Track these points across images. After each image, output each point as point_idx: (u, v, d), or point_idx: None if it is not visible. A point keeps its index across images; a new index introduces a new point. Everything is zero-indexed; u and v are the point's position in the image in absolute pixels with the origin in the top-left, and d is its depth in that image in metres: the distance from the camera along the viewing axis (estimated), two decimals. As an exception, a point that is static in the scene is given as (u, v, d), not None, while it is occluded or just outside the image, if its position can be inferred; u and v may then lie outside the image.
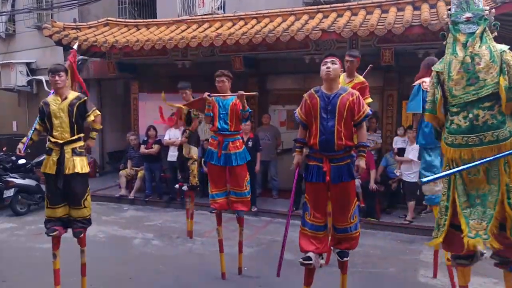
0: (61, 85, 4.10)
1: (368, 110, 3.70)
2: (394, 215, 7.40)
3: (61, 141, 4.04)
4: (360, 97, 3.69)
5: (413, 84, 4.58)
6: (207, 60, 8.40)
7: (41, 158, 8.30)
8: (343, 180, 3.61)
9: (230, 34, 7.43)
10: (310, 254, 3.69)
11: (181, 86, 6.28)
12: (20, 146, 4.28)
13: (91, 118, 4.21)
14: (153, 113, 9.39)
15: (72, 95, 4.19)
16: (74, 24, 9.60)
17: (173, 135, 8.19)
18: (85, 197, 4.16)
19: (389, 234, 6.66)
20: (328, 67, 3.61)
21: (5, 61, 12.15)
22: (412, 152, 6.94)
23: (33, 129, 4.27)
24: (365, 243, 4.72)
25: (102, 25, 9.54)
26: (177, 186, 7.22)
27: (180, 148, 6.73)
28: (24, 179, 8.06)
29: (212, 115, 4.77)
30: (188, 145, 6.42)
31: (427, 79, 4.09)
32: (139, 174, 8.83)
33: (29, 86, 12.13)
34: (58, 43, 9.02)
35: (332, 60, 3.65)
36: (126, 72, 9.69)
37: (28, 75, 12.07)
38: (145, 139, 8.75)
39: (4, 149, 9.59)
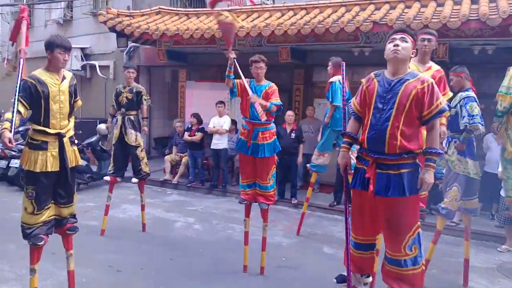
0: (64, 65, 3.47)
1: (444, 104, 2.84)
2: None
3: (63, 131, 3.40)
4: (435, 86, 2.82)
5: (330, 81, 5.56)
6: (254, 50, 8.39)
7: (93, 139, 8.67)
8: (390, 195, 2.79)
9: (278, 24, 7.40)
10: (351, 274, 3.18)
11: (126, 66, 5.98)
12: (7, 138, 3.04)
13: (80, 103, 3.72)
14: (199, 101, 9.55)
15: (67, 74, 3.53)
16: (127, 11, 9.90)
17: (217, 123, 8.31)
18: (75, 191, 3.70)
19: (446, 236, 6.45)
20: (396, 45, 2.83)
21: (61, 46, 12.69)
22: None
23: (14, 111, 3.10)
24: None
25: (154, 13, 9.76)
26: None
27: None
28: (75, 159, 8.41)
29: (233, 77, 4.48)
30: (135, 132, 5.83)
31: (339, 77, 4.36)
32: (183, 160, 9.03)
33: (83, 71, 12.63)
34: (112, 29, 9.33)
35: (402, 37, 2.86)
36: (175, 60, 9.89)
37: (82, 60, 12.57)
38: (189, 126, 8.91)
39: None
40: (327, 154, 6.01)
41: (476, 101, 4.17)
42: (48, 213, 3.47)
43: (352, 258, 3.14)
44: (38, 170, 3.31)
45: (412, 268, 2.87)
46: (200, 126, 8.76)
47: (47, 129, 3.34)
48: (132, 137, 5.71)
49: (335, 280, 3.30)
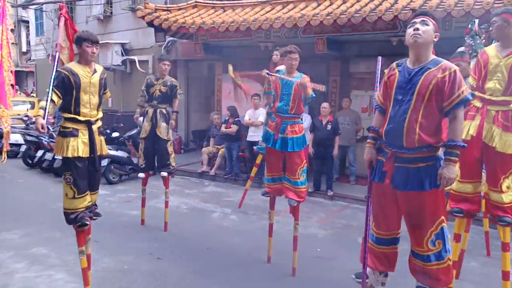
0: (95, 58, 3.67)
1: (467, 92, 2.62)
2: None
3: (93, 119, 3.62)
4: (458, 74, 2.63)
5: (278, 69, 5.28)
6: (290, 42, 8.33)
7: (133, 131, 8.92)
8: (408, 189, 2.71)
9: (314, 14, 7.34)
10: (367, 271, 3.10)
11: (161, 58, 5.88)
12: (40, 124, 3.29)
13: (108, 94, 3.91)
14: (232, 93, 9.62)
15: (98, 67, 3.76)
16: (165, 6, 10.09)
17: (252, 115, 8.37)
18: (99, 179, 3.88)
19: (474, 227, 6.24)
20: (416, 29, 2.65)
21: (102, 41, 13.08)
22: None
23: (48, 100, 3.37)
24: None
25: (191, 7, 9.89)
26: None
27: None
28: (116, 150, 8.71)
29: (273, 93, 4.36)
30: (167, 126, 5.76)
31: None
32: (220, 152, 9.14)
33: (123, 66, 13.00)
34: (150, 24, 9.53)
35: (423, 20, 2.68)
36: (211, 54, 9.99)
37: (122, 55, 12.93)
38: (226, 118, 9.01)
39: (100, 122, 10.40)
40: None
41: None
42: (89, 199, 3.69)
43: (374, 254, 3.04)
44: (70, 155, 3.50)
45: (436, 263, 2.77)
46: (236, 119, 8.85)
47: (77, 117, 3.54)
48: (165, 130, 5.61)
49: (353, 276, 3.23)
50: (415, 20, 2.73)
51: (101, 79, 3.72)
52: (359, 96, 9.13)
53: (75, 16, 15.23)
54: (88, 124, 3.59)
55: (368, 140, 3.05)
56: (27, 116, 11.43)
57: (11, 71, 4.36)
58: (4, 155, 4.23)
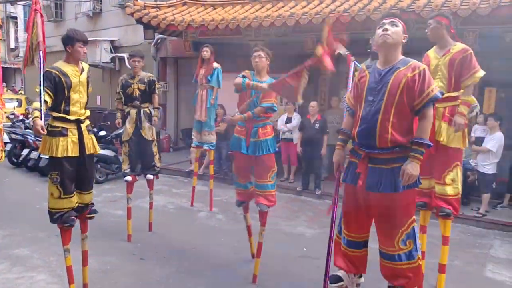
0: (85, 57, 3.67)
1: (436, 91, 2.65)
2: (467, 207, 6.99)
3: (82, 118, 3.58)
4: (427, 73, 2.66)
5: (215, 67, 6.37)
6: (280, 40, 8.34)
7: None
8: (381, 190, 2.69)
9: (303, 13, 7.31)
10: (341, 273, 3.06)
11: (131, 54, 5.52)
12: (39, 126, 3.19)
13: (90, 90, 3.79)
14: (224, 92, 9.56)
15: (85, 66, 3.72)
16: (154, 3, 10.01)
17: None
18: (93, 178, 3.84)
19: (459, 226, 6.29)
20: (385, 30, 2.68)
21: (91, 38, 12.95)
22: (491, 142, 6.54)
23: (42, 101, 3.31)
24: (432, 234, 4.49)
25: (180, 4, 9.83)
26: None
27: None
28: (103, 149, 8.60)
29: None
30: (151, 126, 5.54)
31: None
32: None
33: (112, 63, 12.86)
34: (139, 21, 9.45)
35: (392, 21, 2.72)
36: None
37: (111, 52, 12.80)
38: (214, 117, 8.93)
39: (87, 120, 10.30)
40: (214, 132, 6.90)
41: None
42: (75, 199, 3.63)
43: (346, 257, 3.03)
44: (60, 155, 3.44)
45: (407, 262, 2.78)
46: (224, 117, 8.76)
47: (67, 116, 3.50)
48: (149, 131, 5.36)
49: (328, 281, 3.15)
50: (384, 21, 2.76)
51: (88, 77, 3.72)
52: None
53: (64, 13, 15.08)
54: (78, 123, 3.55)
55: (338, 142, 3.07)
56: (13, 114, 11.31)
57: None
58: (1, 153, 4.14)
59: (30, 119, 3.53)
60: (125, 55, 12.35)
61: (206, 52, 6.39)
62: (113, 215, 6.31)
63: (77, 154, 3.52)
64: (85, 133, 3.57)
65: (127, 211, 5.39)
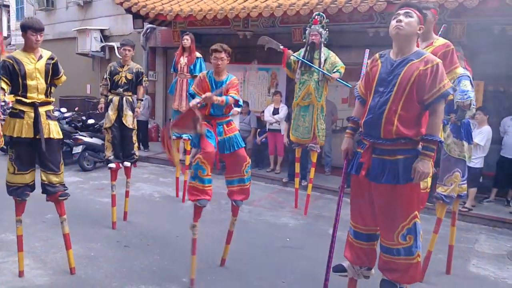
0: (39, 45, 3.76)
1: (448, 86, 2.60)
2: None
3: (38, 102, 3.71)
4: (440, 67, 2.60)
5: (197, 56, 6.28)
6: (268, 31, 8.35)
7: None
8: (383, 181, 2.68)
9: (290, 4, 7.31)
10: (345, 264, 3.09)
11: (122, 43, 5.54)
12: None
13: (63, 79, 3.98)
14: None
15: (45, 53, 3.84)
16: (144, -7, 9.91)
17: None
18: (61, 162, 3.96)
19: (445, 220, 6.34)
20: (399, 21, 2.63)
21: (81, 28, 12.86)
22: (479, 135, 6.56)
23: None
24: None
25: (170, -6, 9.77)
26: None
27: None
28: (91, 137, 8.62)
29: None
30: (133, 114, 5.53)
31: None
32: (197, 141, 9.07)
33: (102, 52, 12.77)
34: (128, 10, 9.40)
35: (407, 12, 2.65)
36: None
37: (101, 41, 12.70)
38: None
39: (76, 109, 10.31)
40: None
41: (470, 79, 4.02)
42: (30, 177, 3.85)
43: (353, 248, 3.03)
44: (14, 135, 3.68)
45: (405, 257, 2.75)
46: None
47: (23, 99, 3.68)
48: (130, 119, 5.40)
49: (331, 269, 3.20)
50: (399, 11, 2.70)
51: (47, 64, 3.79)
52: (339, 86, 9.15)
53: (56, 2, 14.91)
54: (34, 106, 3.69)
55: (347, 130, 3.06)
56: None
57: None
58: (0, 139, 4.25)
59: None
60: (115, 44, 12.29)
61: (187, 40, 6.36)
62: (99, 203, 6.34)
63: (31, 136, 3.70)
64: (42, 117, 3.72)
65: (112, 199, 5.41)
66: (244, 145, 4.18)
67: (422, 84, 2.59)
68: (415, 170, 2.60)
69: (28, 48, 3.74)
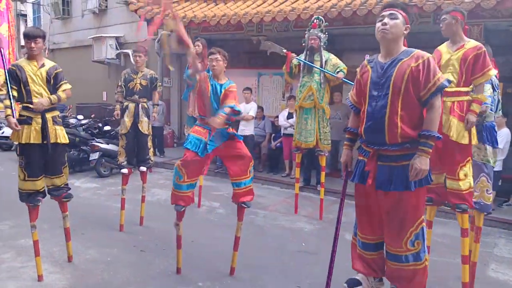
0: (37, 52, 3.85)
1: (443, 79, 2.54)
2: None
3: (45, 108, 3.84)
4: (431, 61, 2.56)
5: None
6: (282, 35, 8.37)
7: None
8: (392, 189, 2.60)
9: (304, 8, 7.32)
10: (359, 277, 2.99)
11: (134, 49, 5.68)
12: (13, 124, 3.66)
13: (64, 87, 3.99)
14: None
15: (48, 63, 3.98)
16: (158, -1, 10.03)
17: (243, 109, 8.34)
18: (65, 165, 4.11)
19: (448, 223, 6.28)
20: (384, 24, 2.58)
21: (97, 35, 13.05)
22: (498, 138, 6.39)
23: (11, 96, 3.72)
24: (434, 231, 4.48)
25: (183, 1, 9.90)
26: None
27: None
28: (108, 144, 8.71)
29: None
30: (148, 120, 5.63)
31: None
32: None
33: (117, 59, 12.94)
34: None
35: (391, 13, 2.60)
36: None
37: (117, 48, 12.88)
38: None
39: (92, 116, 10.45)
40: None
41: (492, 82, 3.94)
42: (41, 184, 3.98)
43: (363, 260, 2.96)
44: (23, 141, 3.80)
45: (414, 263, 2.69)
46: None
47: (30, 105, 3.80)
48: (146, 125, 5.48)
49: (345, 285, 3.09)
50: (383, 13, 2.65)
51: (49, 73, 3.90)
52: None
53: (71, 10, 15.18)
54: (41, 112, 3.82)
55: (345, 142, 3.00)
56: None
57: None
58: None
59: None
60: (130, 51, 12.44)
61: (198, 46, 6.30)
62: (115, 208, 6.35)
63: (39, 142, 3.82)
64: (49, 122, 3.86)
65: (121, 202, 5.51)
66: (242, 138, 4.10)
67: (416, 81, 2.54)
68: (413, 166, 2.52)
69: (30, 56, 3.89)
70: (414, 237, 2.66)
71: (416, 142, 2.58)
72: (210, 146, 3.85)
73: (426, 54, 2.60)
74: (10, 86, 3.72)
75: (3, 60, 3.96)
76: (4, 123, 11.40)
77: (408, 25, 2.70)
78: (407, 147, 2.58)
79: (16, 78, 3.78)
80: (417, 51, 2.62)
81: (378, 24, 2.64)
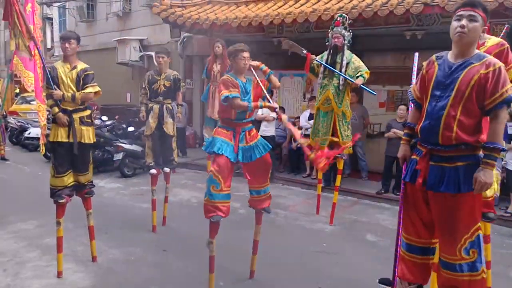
0: (70, 53, 4.06)
1: (511, 92, 2.41)
2: (495, 207, 6.82)
3: (70, 109, 4.04)
4: (503, 71, 2.42)
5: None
6: (303, 36, 8.37)
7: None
8: (442, 190, 2.49)
9: (325, 9, 7.31)
10: (397, 281, 2.85)
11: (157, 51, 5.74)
12: (65, 119, 4.03)
13: (88, 90, 4.08)
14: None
15: (80, 65, 4.15)
16: (180, 2, 10.18)
17: (265, 110, 8.36)
18: (90, 162, 4.30)
19: (487, 226, 6.17)
20: (462, 26, 2.45)
21: (121, 38, 13.31)
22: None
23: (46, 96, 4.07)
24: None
25: (205, 3, 9.96)
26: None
27: None
28: (131, 144, 8.87)
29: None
30: (173, 121, 5.64)
31: None
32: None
33: (141, 61, 13.17)
34: (165, 20, 9.66)
35: (471, 15, 2.45)
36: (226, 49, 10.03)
37: (140, 50, 13.11)
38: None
39: (116, 117, 10.66)
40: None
41: None
42: (68, 179, 4.15)
43: (404, 262, 2.80)
44: (51, 139, 4.08)
45: (469, 274, 2.52)
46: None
47: (61, 106, 4.05)
48: (171, 126, 5.51)
49: (377, 281, 3.05)
50: (462, 13, 2.50)
51: (79, 75, 4.09)
52: (376, 90, 9.02)
53: (96, 13, 15.53)
54: (68, 113, 4.03)
55: (403, 137, 2.92)
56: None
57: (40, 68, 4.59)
58: (42, 146, 4.52)
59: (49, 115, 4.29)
60: (153, 54, 12.63)
61: (218, 47, 6.38)
62: (138, 208, 6.52)
63: (66, 140, 4.05)
64: (76, 122, 4.07)
65: (152, 203, 5.56)
66: (269, 150, 3.91)
67: (482, 88, 2.42)
68: (477, 180, 2.41)
69: (64, 57, 4.16)
70: (469, 245, 2.52)
71: (471, 146, 2.51)
72: (245, 156, 3.77)
73: (498, 63, 2.48)
74: (47, 86, 4.03)
75: (42, 62, 4.10)
76: (30, 124, 11.74)
77: (486, 26, 2.61)
78: (462, 149, 2.50)
79: (51, 78, 4.00)
80: (490, 58, 2.52)
81: (455, 24, 2.50)
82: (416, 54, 3.27)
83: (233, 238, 5.35)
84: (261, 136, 8.42)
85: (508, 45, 3.40)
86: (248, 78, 3.86)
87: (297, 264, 4.63)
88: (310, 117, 8.32)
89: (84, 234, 5.14)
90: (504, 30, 3.88)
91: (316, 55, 5.89)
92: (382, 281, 3.02)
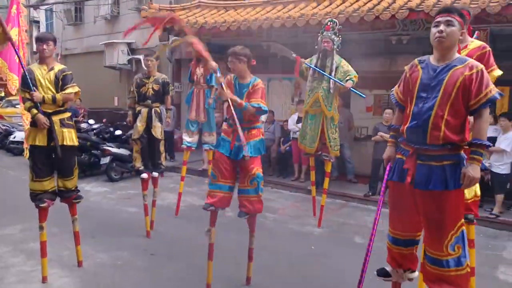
0: (47, 54, 3.96)
1: (494, 92, 2.57)
2: (480, 208, 6.89)
3: (49, 111, 3.93)
4: (485, 73, 2.59)
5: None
6: (291, 41, 8.40)
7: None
8: (431, 188, 2.61)
9: (313, 14, 7.37)
10: (388, 269, 3.06)
11: (145, 54, 5.68)
12: (44, 119, 3.88)
13: (68, 91, 4.01)
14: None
15: (57, 66, 4.05)
16: (169, 6, 10.20)
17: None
18: (75, 166, 4.18)
19: (472, 227, 6.26)
20: (440, 31, 2.59)
21: (109, 41, 13.24)
22: (505, 141, 6.47)
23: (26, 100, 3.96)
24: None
25: (194, 7, 9.98)
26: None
27: None
28: (119, 148, 8.83)
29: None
30: (161, 125, 5.61)
31: None
32: (221, 151, 9.17)
33: (129, 65, 13.13)
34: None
35: (448, 20, 2.59)
36: (214, 53, 9.88)
37: (128, 54, 13.06)
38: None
39: (103, 120, 10.59)
40: (214, 133, 6.92)
41: None
42: (49, 184, 4.08)
43: (391, 254, 3.00)
44: (30, 143, 3.98)
45: (455, 269, 2.64)
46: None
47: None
48: (159, 130, 5.46)
49: (375, 273, 3.15)
50: (439, 19, 2.64)
51: (57, 76, 4.00)
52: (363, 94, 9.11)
53: (84, 16, 15.43)
54: (47, 115, 3.91)
55: (389, 139, 3.05)
56: None
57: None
58: (26, 151, 4.48)
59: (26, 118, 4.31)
60: (141, 56, 12.57)
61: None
62: (126, 212, 6.49)
63: (45, 144, 3.94)
64: (56, 125, 3.95)
65: (144, 208, 5.48)
66: (259, 155, 3.92)
67: (467, 90, 2.56)
68: (465, 175, 2.54)
69: (41, 59, 4.03)
70: (454, 240, 2.63)
71: (456, 145, 2.63)
72: (235, 153, 3.83)
73: (480, 65, 2.62)
74: (24, 89, 3.94)
75: (22, 65, 4.07)
76: (16, 128, 11.61)
77: (464, 30, 2.73)
78: (448, 148, 2.62)
79: (27, 80, 3.89)
80: (471, 61, 2.66)
81: (434, 30, 2.64)
82: (302, 60, 3.31)
83: (224, 240, 5.34)
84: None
85: (489, 49, 3.50)
86: (251, 81, 3.96)
87: (286, 267, 4.65)
88: (299, 120, 8.36)
89: (69, 239, 5.08)
90: (475, 36, 3.99)
91: (305, 59, 5.94)
92: (380, 273, 3.13)
